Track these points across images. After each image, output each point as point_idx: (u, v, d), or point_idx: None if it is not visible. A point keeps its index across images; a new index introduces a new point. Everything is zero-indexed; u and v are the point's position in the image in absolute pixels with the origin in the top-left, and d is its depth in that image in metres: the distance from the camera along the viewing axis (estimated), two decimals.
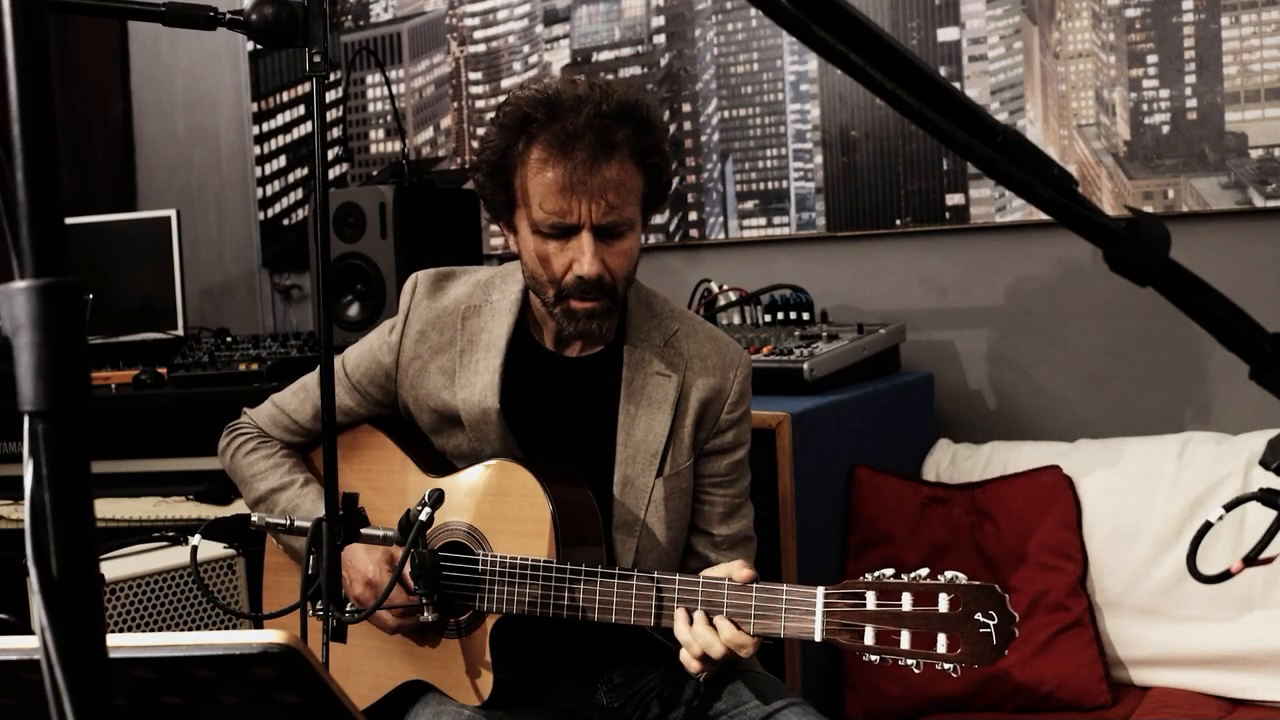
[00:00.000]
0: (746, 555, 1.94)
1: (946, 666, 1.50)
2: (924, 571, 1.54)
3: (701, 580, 1.66)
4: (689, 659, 1.67)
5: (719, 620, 1.65)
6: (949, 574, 1.53)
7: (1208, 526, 1.25)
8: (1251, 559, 1.20)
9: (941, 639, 1.51)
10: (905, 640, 1.52)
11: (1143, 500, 2.49)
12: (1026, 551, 2.52)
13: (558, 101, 1.74)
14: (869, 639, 1.54)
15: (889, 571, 1.56)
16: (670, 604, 1.67)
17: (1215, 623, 2.40)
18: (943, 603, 1.51)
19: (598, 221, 1.73)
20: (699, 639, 1.65)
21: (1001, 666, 2.42)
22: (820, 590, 1.58)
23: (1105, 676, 2.42)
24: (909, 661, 1.52)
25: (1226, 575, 1.21)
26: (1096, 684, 2.41)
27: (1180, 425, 2.68)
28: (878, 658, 1.54)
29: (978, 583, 1.51)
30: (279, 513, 1.91)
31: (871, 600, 1.55)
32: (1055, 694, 2.41)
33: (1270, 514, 1.12)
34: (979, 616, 1.49)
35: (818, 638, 1.57)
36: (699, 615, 1.66)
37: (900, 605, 1.53)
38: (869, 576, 1.57)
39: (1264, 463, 1.04)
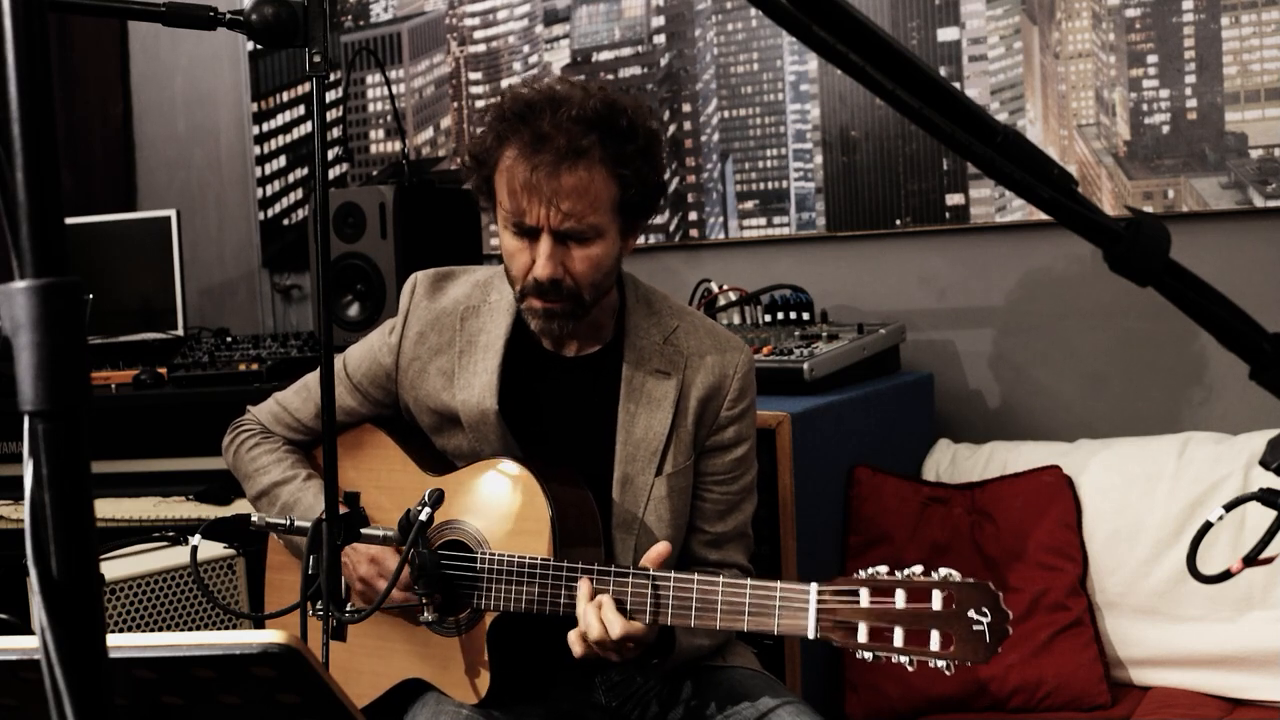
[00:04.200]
0: (740, 552, 1.94)
1: (940, 664, 1.50)
2: (918, 569, 1.54)
3: (696, 577, 1.67)
4: (574, 639, 1.68)
5: (610, 610, 1.65)
6: (943, 571, 1.52)
7: (1208, 526, 1.25)
8: (1251, 559, 1.21)
9: (935, 636, 1.50)
10: (898, 638, 1.52)
11: (1143, 500, 2.49)
12: (1026, 551, 2.52)
13: (538, 103, 1.74)
14: (862, 636, 1.54)
15: (883, 569, 1.56)
16: (665, 603, 1.67)
17: (1215, 623, 2.40)
18: (936, 600, 1.51)
19: (555, 227, 1.74)
20: (598, 625, 1.65)
21: (1001, 666, 2.42)
22: (813, 587, 1.58)
23: (1105, 676, 2.42)
24: (902, 659, 1.52)
25: (1226, 575, 1.21)
26: (1096, 684, 2.41)
27: (1180, 425, 2.68)
28: (871, 655, 1.53)
29: (971, 580, 1.51)
30: (279, 511, 1.92)
31: (865, 597, 1.55)
32: (1055, 694, 2.41)
33: (1270, 514, 1.12)
34: (972, 614, 1.49)
35: (811, 635, 1.57)
36: (607, 599, 1.66)
37: (893, 602, 1.53)
38: (862, 574, 1.56)
39: (1264, 463, 1.04)
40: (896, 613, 1.52)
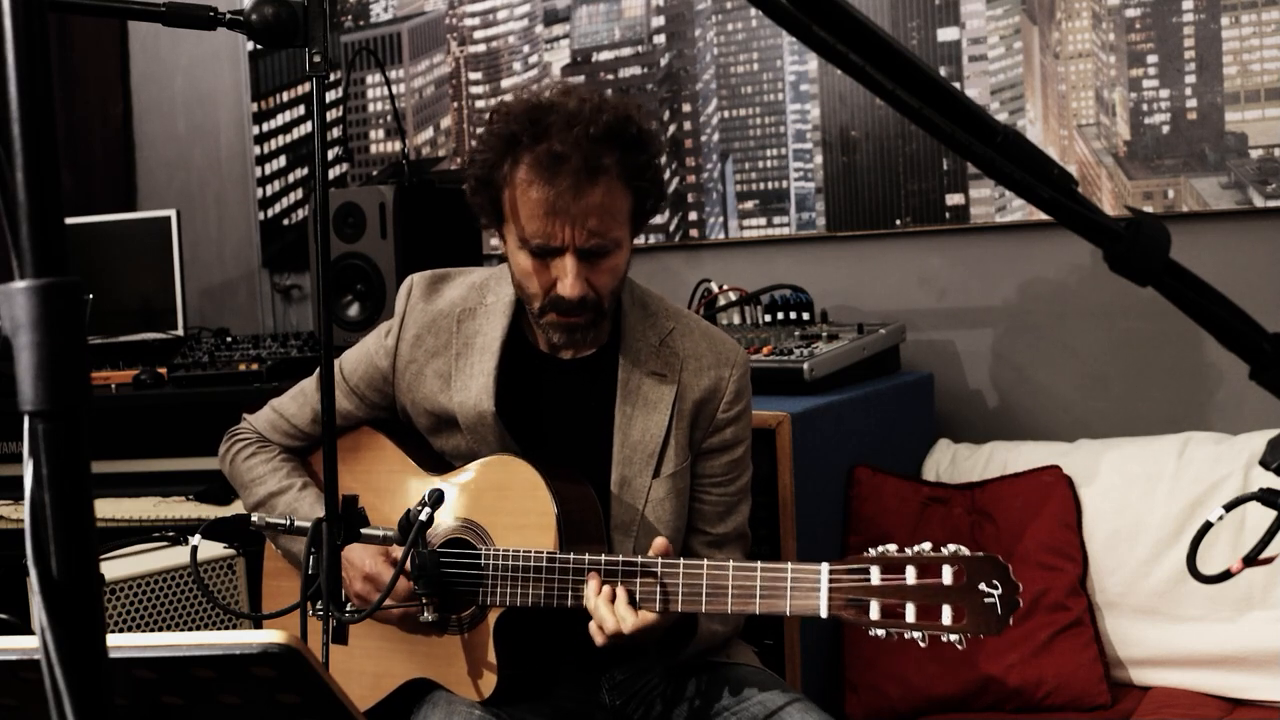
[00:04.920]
0: (741, 553, 1.94)
1: (952, 638, 1.50)
2: (927, 545, 1.55)
3: (706, 563, 1.67)
4: (594, 630, 1.69)
5: (623, 605, 1.66)
6: (952, 547, 1.53)
7: (1208, 526, 1.25)
8: (1251, 559, 1.21)
9: (946, 610, 1.51)
10: (910, 613, 1.53)
11: (1143, 500, 2.49)
12: (1026, 552, 2.52)
13: (546, 120, 1.71)
14: (874, 613, 1.54)
15: (892, 547, 1.56)
16: (675, 591, 1.67)
17: (1215, 623, 2.40)
18: (946, 574, 1.52)
19: (581, 245, 1.73)
20: (612, 619, 1.66)
21: (1001, 666, 2.42)
22: (825, 566, 1.59)
23: (1105, 676, 2.42)
24: (915, 634, 1.52)
25: (1226, 575, 1.21)
26: (1096, 684, 2.41)
27: (1180, 425, 2.68)
28: (884, 632, 1.54)
29: (981, 554, 1.52)
30: (278, 514, 1.91)
31: (876, 575, 1.55)
32: (1055, 694, 2.41)
33: (1270, 514, 1.12)
34: (983, 586, 1.50)
35: (823, 614, 1.58)
36: (621, 593, 1.67)
37: (904, 579, 1.54)
38: (873, 551, 1.57)
39: (1264, 463, 1.04)
40: (908, 589, 1.53)
